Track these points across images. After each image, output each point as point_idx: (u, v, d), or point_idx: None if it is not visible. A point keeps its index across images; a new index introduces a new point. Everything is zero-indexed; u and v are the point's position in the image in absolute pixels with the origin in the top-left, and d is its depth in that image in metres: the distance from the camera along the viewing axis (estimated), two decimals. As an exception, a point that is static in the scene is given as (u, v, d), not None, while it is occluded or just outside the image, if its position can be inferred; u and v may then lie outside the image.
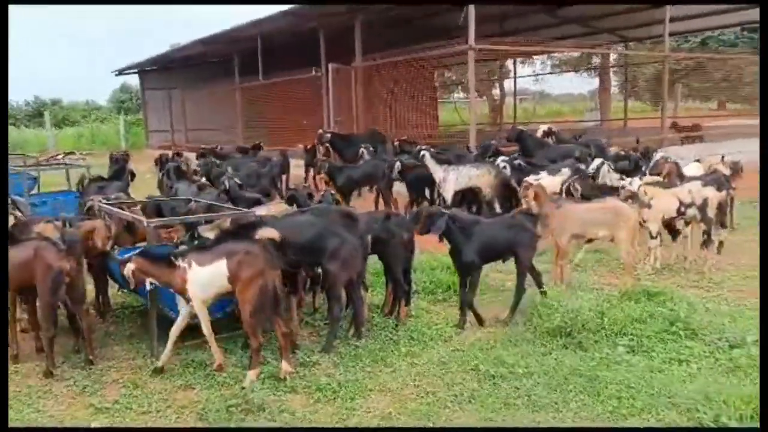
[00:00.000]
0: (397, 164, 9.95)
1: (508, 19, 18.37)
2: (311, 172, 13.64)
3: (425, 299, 6.51)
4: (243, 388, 4.53)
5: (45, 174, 12.80)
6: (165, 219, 5.33)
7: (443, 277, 6.87)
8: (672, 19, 16.05)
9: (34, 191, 11.50)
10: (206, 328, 4.82)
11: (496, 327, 5.80)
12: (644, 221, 7.17)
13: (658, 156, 9.85)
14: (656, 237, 7.33)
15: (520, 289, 5.92)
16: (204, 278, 4.67)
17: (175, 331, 4.90)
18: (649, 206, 7.13)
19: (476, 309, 5.84)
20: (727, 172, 8.52)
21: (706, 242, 7.38)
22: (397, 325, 5.73)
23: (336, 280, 5.26)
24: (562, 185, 8.51)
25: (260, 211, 5.91)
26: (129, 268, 4.79)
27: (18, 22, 51.07)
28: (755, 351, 4.87)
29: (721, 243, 7.70)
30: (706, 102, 35.12)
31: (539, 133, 11.03)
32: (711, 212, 7.31)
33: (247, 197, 7.02)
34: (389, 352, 5.22)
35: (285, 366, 4.72)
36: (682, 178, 8.15)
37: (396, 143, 12.64)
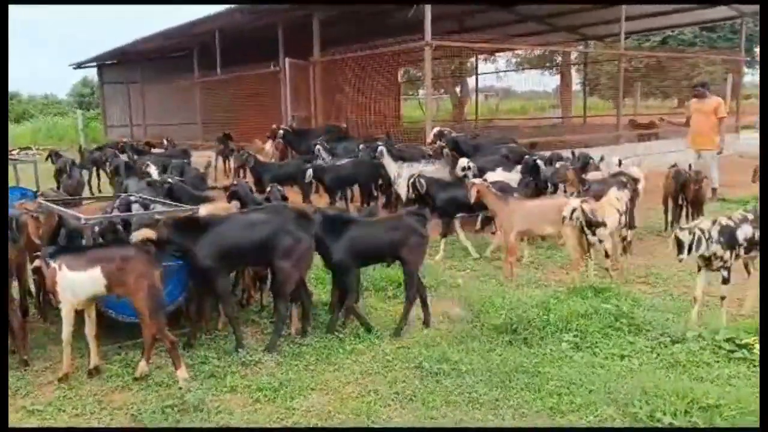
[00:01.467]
0: (309, 172, 9.59)
1: (468, 15, 18.43)
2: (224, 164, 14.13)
3: (375, 296, 6.48)
4: (180, 388, 4.43)
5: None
6: (100, 216, 5.18)
7: (393, 273, 6.82)
8: (628, 18, 16.28)
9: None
10: (66, 334, 4.64)
11: (444, 324, 5.79)
12: (597, 241, 6.60)
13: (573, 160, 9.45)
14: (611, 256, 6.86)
15: (408, 297, 5.58)
16: (74, 283, 4.51)
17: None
18: (604, 225, 6.56)
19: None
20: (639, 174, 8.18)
21: (626, 247, 7.27)
22: (344, 323, 5.69)
23: (288, 279, 5.18)
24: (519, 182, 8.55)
25: (205, 209, 5.79)
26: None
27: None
28: (695, 347, 4.96)
29: (629, 243, 7.41)
30: (666, 100, 35.84)
31: (430, 137, 10.75)
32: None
33: (193, 194, 6.88)
34: (334, 350, 5.16)
35: (142, 365, 4.67)
36: (583, 183, 7.83)
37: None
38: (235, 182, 6.98)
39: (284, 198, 6.81)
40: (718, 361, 4.75)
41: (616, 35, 20.50)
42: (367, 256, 5.66)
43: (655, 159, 13.37)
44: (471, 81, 29.55)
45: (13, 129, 30.08)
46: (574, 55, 24.50)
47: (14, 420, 4.16)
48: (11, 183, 10.97)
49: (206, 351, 5.11)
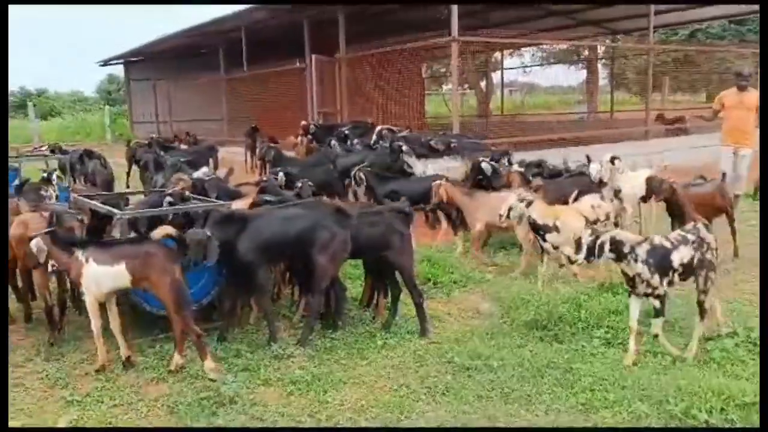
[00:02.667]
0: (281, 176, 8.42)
1: (494, 11, 18.31)
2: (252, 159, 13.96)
3: (403, 292, 6.48)
4: (213, 380, 4.49)
5: (29, 166, 12.64)
6: (135, 211, 5.27)
7: (422, 269, 6.86)
8: (656, 12, 16.06)
9: (16, 182, 11.37)
10: (96, 326, 4.73)
11: (474, 319, 5.81)
12: (552, 248, 6.27)
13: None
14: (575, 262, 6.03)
15: (393, 296, 5.61)
16: (99, 277, 4.61)
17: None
18: (557, 230, 6.21)
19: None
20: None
21: None
22: (374, 318, 5.72)
23: (324, 274, 5.21)
24: None
25: (238, 204, 5.85)
26: (34, 244, 4.71)
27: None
28: (729, 344, 4.90)
29: None
30: (695, 94, 35.28)
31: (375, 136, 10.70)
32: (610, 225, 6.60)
33: (228, 190, 6.96)
34: (365, 344, 5.20)
35: (177, 358, 4.74)
36: (528, 183, 7.71)
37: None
38: (265, 178, 7.03)
39: (315, 193, 6.86)
40: (753, 359, 4.69)
41: (643, 29, 20.28)
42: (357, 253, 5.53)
43: (684, 154, 13.20)
44: (495, 76, 29.46)
45: (41, 125, 30.53)
46: (601, 50, 24.23)
47: (54, 410, 4.27)
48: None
49: (239, 344, 5.17)
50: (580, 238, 4.68)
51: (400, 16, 18.01)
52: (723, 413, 3.90)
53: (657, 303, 4.71)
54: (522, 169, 8.40)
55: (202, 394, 4.31)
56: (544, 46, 28.73)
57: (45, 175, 8.78)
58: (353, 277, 6.60)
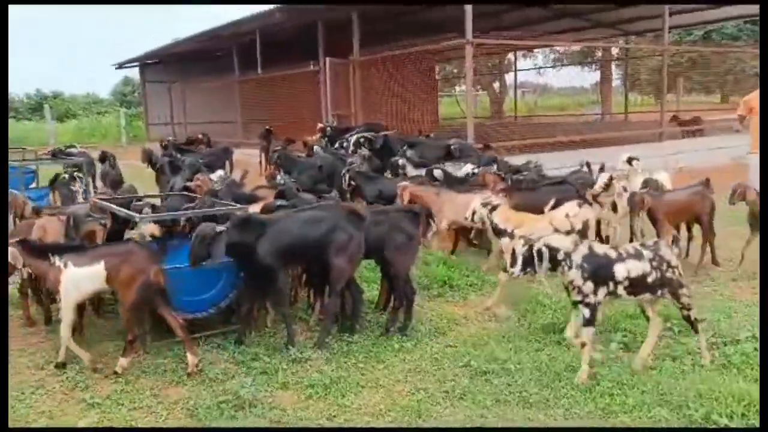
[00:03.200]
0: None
1: (507, 12, 18.27)
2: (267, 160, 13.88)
3: (420, 294, 6.48)
4: (217, 378, 4.52)
5: (46, 168, 12.80)
6: (156, 215, 5.31)
7: (438, 271, 6.86)
8: (672, 13, 15.95)
9: (33, 185, 11.52)
10: (66, 330, 4.83)
11: (490, 323, 5.80)
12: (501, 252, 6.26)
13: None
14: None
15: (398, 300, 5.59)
16: (79, 279, 4.73)
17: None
18: (510, 235, 6.14)
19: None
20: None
21: None
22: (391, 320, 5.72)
23: (341, 276, 5.24)
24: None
25: (254, 207, 5.88)
26: (10, 252, 4.80)
27: (19, 12, 51.11)
28: (749, 348, 4.86)
29: None
30: (709, 95, 35.01)
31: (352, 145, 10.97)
32: (592, 234, 6.53)
33: (244, 194, 7.00)
34: (382, 348, 5.21)
35: (191, 358, 4.78)
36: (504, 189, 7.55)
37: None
38: (282, 182, 7.06)
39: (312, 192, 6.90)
40: (773, 363, 4.64)
41: (657, 30, 20.18)
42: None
43: (700, 156, 13.10)
44: (508, 77, 29.37)
45: (57, 127, 30.79)
46: (615, 51, 24.10)
47: (75, 412, 4.31)
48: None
49: (256, 348, 5.19)
50: (514, 250, 4.47)
51: (413, 17, 17.99)
52: (744, 418, 3.88)
53: (586, 311, 4.45)
54: (500, 172, 8.41)
55: (221, 397, 4.33)
56: (559, 48, 28.60)
57: (65, 175, 9.00)
58: (368, 281, 6.60)
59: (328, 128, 13.09)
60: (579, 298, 4.46)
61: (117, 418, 4.21)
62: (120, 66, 28.67)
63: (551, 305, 5.64)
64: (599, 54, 27.14)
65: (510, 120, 23.64)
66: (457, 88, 39.23)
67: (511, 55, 27.02)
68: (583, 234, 6.30)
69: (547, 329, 5.39)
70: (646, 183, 7.85)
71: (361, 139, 10.86)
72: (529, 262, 4.39)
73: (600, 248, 4.60)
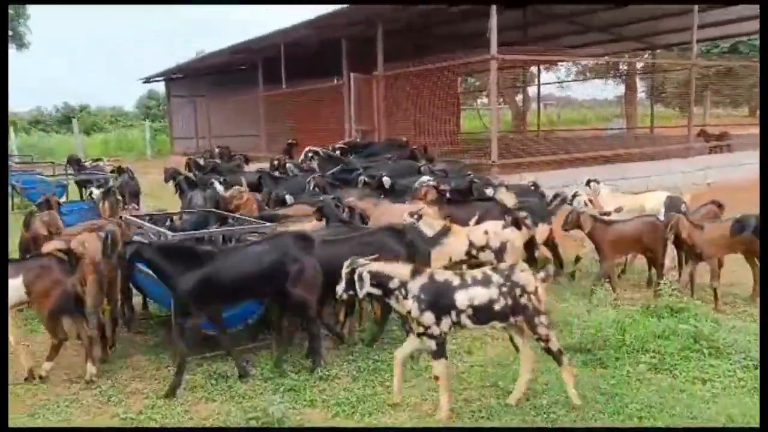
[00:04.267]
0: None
1: (531, 26, 18.31)
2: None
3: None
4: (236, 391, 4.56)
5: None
6: (187, 233, 5.40)
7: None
8: (701, 26, 15.83)
9: (63, 199, 11.77)
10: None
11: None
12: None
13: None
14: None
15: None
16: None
17: None
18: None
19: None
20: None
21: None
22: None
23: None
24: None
25: (296, 225, 5.95)
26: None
27: (42, 28, 52.37)
28: (781, 371, 4.80)
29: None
30: (737, 108, 34.57)
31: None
32: (511, 256, 6.24)
33: (278, 214, 7.09)
34: (408, 367, 5.21)
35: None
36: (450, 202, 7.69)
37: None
38: (321, 198, 7.15)
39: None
40: (807, 388, 4.57)
41: (684, 44, 20.03)
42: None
43: (728, 172, 12.96)
44: (529, 90, 29.29)
45: (84, 140, 31.31)
46: (640, 64, 23.93)
47: (109, 426, 4.39)
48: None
49: (284, 364, 5.23)
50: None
51: (436, 32, 18.12)
52: (777, 444, 3.82)
53: (431, 344, 4.26)
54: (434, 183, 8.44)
55: (250, 414, 4.38)
56: (583, 62, 28.46)
57: (95, 190, 9.28)
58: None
59: (333, 148, 13.28)
60: (421, 330, 4.26)
61: (152, 434, 4.28)
62: (147, 80, 29.18)
63: (578, 324, 5.60)
64: (624, 67, 26.94)
65: (533, 135, 23.57)
66: (479, 101, 39.32)
67: (533, 68, 26.98)
68: (498, 254, 6.29)
69: (574, 349, 5.35)
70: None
71: (309, 153, 12.07)
72: (351, 285, 4.26)
73: (442, 276, 4.36)
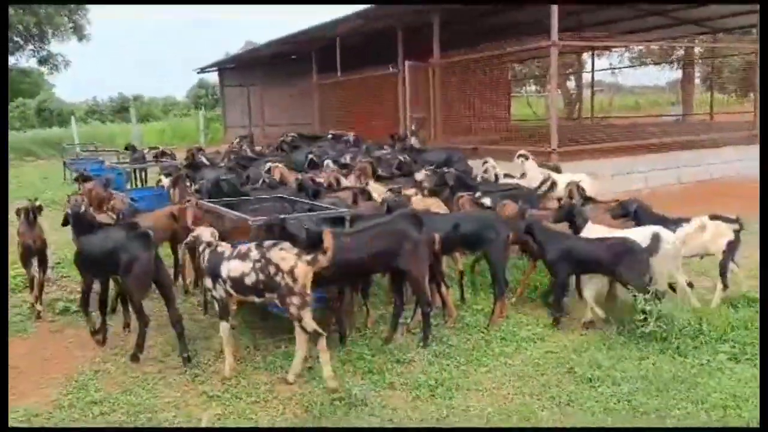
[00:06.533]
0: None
1: (587, 11, 17.92)
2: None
3: (512, 299, 6.50)
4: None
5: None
6: (268, 218, 5.53)
7: (531, 277, 6.85)
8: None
9: (128, 187, 12.22)
10: None
11: (587, 328, 5.76)
12: None
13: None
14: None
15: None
16: None
17: None
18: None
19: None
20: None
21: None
22: (488, 326, 5.78)
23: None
24: None
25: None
26: None
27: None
28: None
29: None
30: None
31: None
32: None
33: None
34: (482, 352, 5.28)
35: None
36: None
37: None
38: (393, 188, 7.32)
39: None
40: None
41: (747, 27, 19.36)
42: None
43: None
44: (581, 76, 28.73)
45: (139, 129, 32.04)
46: (697, 49, 23.21)
47: (197, 404, 4.57)
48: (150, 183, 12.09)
49: (359, 348, 5.35)
50: None
51: (492, 20, 17.92)
52: None
53: (216, 305, 4.97)
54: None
55: (334, 395, 4.50)
56: (638, 47, 27.73)
57: (164, 177, 9.68)
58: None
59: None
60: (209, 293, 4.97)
61: (237, 411, 4.44)
62: (202, 71, 29.73)
63: (653, 313, 5.54)
64: (681, 52, 26.16)
65: (587, 121, 23.16)
66: (526, 89, 38.78)
67: (586, 55, 26.45)
68: None
69: (649, 337, 5.32)
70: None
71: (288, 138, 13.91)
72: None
73: (222, 247, 4.94)
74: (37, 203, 6.64)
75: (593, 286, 5.84)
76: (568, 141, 12.70)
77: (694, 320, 5.41)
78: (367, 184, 8.39)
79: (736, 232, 6.09)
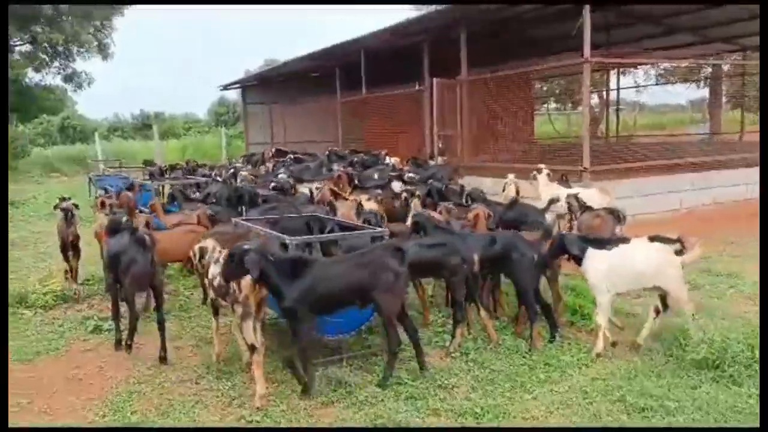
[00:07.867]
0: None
1: (614, 28, 17.78)
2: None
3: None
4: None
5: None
6: (306, 237, 5.44)
7: (569, 300, 6.68)
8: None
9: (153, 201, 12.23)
10: None
11: (633, 354, 5.57)
12: None
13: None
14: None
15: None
16: None
17: None
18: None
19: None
20: None
21: None
22: (529, 350, 5.61)
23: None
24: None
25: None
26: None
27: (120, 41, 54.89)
28: None
29: None
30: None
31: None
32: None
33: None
34: (526, 377, 5.11)
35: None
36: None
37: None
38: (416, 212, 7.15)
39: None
40: None
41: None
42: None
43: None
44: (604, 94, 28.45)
45: (162, 146, 32.26)
46: (726, 67, 22.91)
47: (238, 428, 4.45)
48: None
49: (399, 371, 5.19)
50: None
51: (519, 36, 17.84)
52: None
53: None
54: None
55: (376, 420, 4.36)
56: (665, 65, 27.43)
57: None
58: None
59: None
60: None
61: (276, 437, 4.31)
62: (224, 88, 29.93)
63: (703, 340, 5.34)
64: (709, 70, 25.84)
65: (613, 140, 22.92)
66: (547, 106, 38.59)
67: (612, 72, 26.24)
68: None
69: (701, 365, 5.11)
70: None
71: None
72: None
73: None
74: (72, 201, 7.90)
75: (605, 308, 5.61)
76: (598, 160, 12.51)
77: (747, 347, 5.19)
78: (347, 191, 9.42)
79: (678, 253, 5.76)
